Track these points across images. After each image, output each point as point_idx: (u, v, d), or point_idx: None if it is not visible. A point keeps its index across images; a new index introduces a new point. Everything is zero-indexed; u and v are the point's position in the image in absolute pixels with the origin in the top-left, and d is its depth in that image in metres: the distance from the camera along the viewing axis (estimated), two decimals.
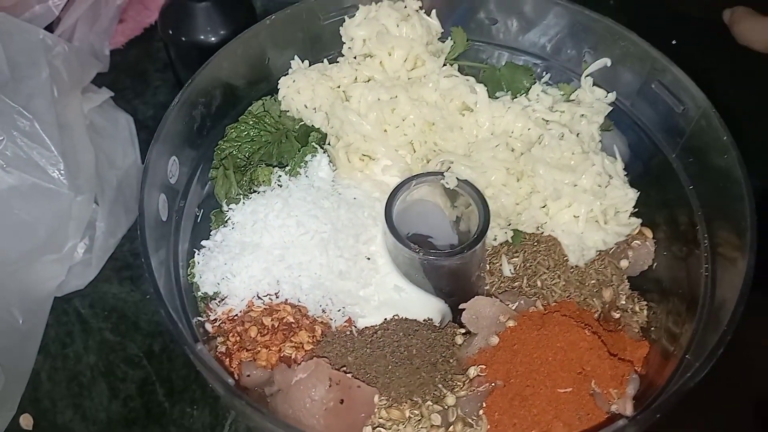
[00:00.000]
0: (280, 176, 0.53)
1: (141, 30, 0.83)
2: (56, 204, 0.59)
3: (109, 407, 0.58)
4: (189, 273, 0.51)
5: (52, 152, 0.59)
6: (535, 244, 0.55)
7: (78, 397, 0.58)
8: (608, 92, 0.58)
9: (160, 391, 0.59)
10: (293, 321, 0.48)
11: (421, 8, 0.60)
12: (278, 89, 0.58)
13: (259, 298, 0.49)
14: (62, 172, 0.59)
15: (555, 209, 0.54)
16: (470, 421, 0.46)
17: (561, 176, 0.54)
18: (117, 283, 0.64)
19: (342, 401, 0.44)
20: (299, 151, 0.55)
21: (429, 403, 0.47)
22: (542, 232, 0.56)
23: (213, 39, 0.65)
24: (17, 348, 0.57)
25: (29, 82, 0.61)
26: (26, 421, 0.56)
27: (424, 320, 0.51)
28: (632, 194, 0.55)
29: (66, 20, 0.71)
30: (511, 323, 0.49)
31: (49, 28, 0.67)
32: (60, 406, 0.58)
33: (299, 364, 0.46)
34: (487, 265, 0.55)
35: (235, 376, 0.47)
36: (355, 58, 0.59)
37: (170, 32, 0.66)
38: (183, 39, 0.66)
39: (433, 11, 0.60)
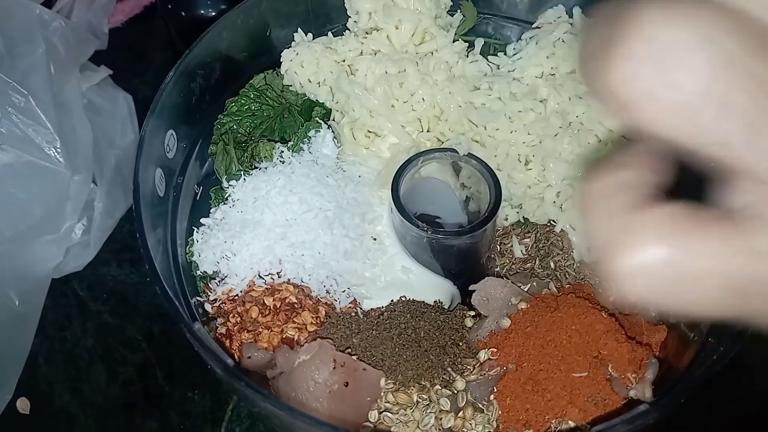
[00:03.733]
0: (282, 152, 0.51)
1: (141, 8, 0.81)
2: (53, 183, 0.57)
3: (107, 391, 0.56)
4: (188, 252, 0.49)
5: (49, 130, 0.57)
6: (548, 224, 0.53)
7: (76, 380, 0.57)
8: None
9: (159, 374, 0.57)
10: (296, 301, 0.46)
11: None
12: (281, 62, 0.56)
13: (261, 277, 0.47)
14: (59, 150, 0.57)
15: (567, 204, 0.52)
16: (480, 405, 0.45)
17: (573, 170, 0.51)
18: (116, 265, 0.63)
19: (347, 384, 0.42)
20: (302, 126, 0.53)
21: (438, 387, 0.45)
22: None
23: (213, 13, 0.63)
24: (14, 330, 0.56)
25: (25, 59, 0.59)
26: (23, 404, 0.55)
27: (433, 302, 0.49)
28: None
29: None
30: (523, 305, 0.47)
31: (48, 5, 0.65)
32: (57, 389, 0.56)
33: (302, 345, 0.44)
34: (498, 246, 0.53)
35: (236, 358, 0.45)
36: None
37: (169, 6, 0.64)
38: (183, 14, 0.64)
39: None
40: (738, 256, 0.16)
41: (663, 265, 0.16)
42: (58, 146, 0.57)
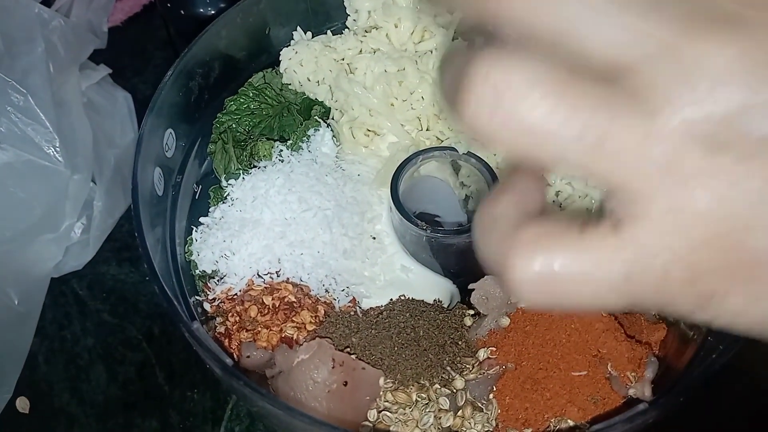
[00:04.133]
0: (281, 151, 0.51)
1: (140, 7, 0.81)
2: (52, 182, 0.57)
3: (107, 390, 0.56)
4: (186, 251, 0.49)
5: (48, 129, 0.57)
6: None
7: (75, 380, 0.57)
8: None
9: (159, 374, 0.57)
10: (295, 300, 0.46)
11: None
12: (279, 61, 0.56)
13: (260, 276, 0.47)
14: (58, 149, 0.57)
15: (567, 203, 0.52)
16: (480, 404, 0.45)
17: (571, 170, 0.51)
18: (116, 264, 0.63)
19: (346, 383, 0.42)
20: (301, 125, 0.53)
21: (437, 386, 0.45)
22: None
23: (212, 12, 0.63)
24: (13, 330, 0.56)
25: (24, 58, 0.59)
26: (23, 403, 0.55)
27: (433, 301, 0.49)
28: None
29: None
30: (522, 304, 0.47)
31: (47, 4, 0.65)
32: (57, 389, 0.56)
33: (301, 345, 0.44)
34: None
35: (235, 357, 0.45)
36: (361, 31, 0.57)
37: (168, 5, 0.64)
38: (182, 12, 0.64)
39: None
40: (596, 258, 0.17)
41: (538, 276, 0.18)
42: (58, 145, 0.57)
